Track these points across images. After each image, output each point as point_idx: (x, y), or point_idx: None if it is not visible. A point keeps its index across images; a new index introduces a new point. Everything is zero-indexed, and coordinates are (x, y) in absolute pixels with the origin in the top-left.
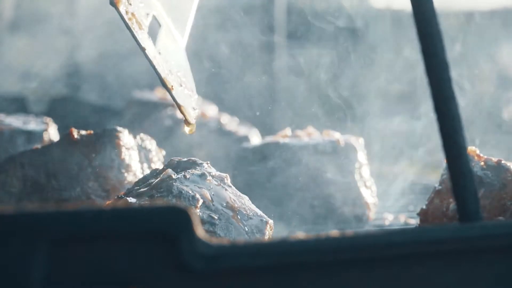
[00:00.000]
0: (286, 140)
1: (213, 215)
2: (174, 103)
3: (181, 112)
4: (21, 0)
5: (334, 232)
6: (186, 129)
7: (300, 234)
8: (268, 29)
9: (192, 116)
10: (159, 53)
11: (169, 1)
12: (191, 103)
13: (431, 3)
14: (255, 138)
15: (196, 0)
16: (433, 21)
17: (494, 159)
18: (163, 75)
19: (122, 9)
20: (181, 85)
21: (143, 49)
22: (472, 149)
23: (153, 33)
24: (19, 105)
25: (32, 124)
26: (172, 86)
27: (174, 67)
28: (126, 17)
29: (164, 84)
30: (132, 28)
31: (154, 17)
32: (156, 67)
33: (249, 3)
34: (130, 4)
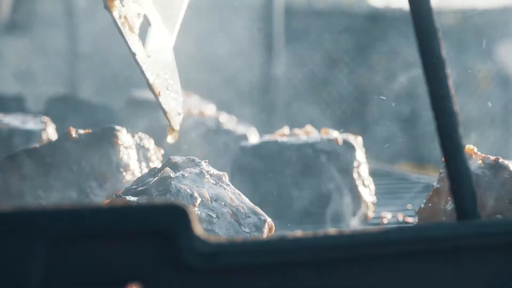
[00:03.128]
0: (284, 139)
1: (211, 213)
2: (160, 108)
3: (167, 118)
4: (19, 1)
5: (332, 230)
6: (169, 137)
7: (298, 232)
8: (266, 29)
9: (177, 122)
10: (149, 56)
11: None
12: (177, 107)
13: (428, 1)
14: (254, 137)
15: None
16: (430, 19)
17: (492, 157)
18: (151, 80)
19: (115, 13)
20: (168, 89)
21: (133, 54)
22: (470, 147)
23: (142, 32)
24: (17, 104)
25: (30, 123)
26: (159, 92)
27: (161, 69)
28: (119, 22)
29: (151, 90)
30: (124, 33)
31: (145, 16)
32: (145, 72)
33: (246, 4)
34: (123, 6)
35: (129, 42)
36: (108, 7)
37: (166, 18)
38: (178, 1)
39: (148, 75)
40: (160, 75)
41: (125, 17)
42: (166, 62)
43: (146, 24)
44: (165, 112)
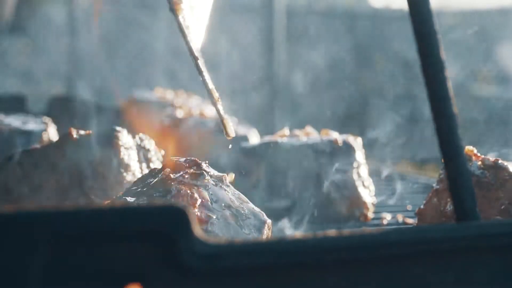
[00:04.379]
0: (285, 140)
1: (211, 214)
2: (218, 115)
3: (224, 124)
4: (21, 1)
5: (331, 232)
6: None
7: (298, 234)
8: (267, 29)
9: (232, 129)
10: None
11: (189, 3)
12: (226, 115)
13: (428, 3)
14: (254, 138)
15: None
16: (430, 21)
17: (492, 159)
18: (210, 86)
19: (180, 17)
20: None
21: (196, 59)
22: (469, 148)
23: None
24: (18, 104)
25: (31, 124)
26: (218, 98)
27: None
28: (184, 25)
29: (211, 96)
30: (188, 38)
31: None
32: (205, 77)
33: (248, 5)
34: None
35: (193, 47)
36: (174, 10)
37: (196, 18)
38: (205, 5)
39: (208, 80)
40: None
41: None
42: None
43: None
44: (222, 118)
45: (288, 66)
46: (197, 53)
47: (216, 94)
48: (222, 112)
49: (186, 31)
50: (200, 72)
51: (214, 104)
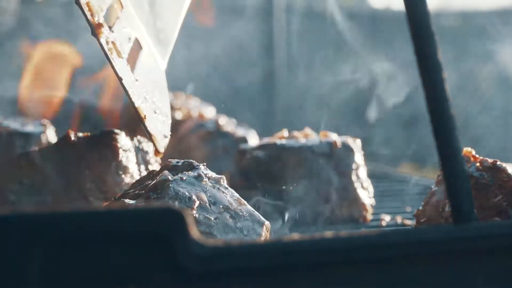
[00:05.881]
0: (283, 142)
1: (209, 216)
2: (146, 132)
3: (152, 141)
4: (20, 3)
5: (329, 233)
6: (154, 158)
7: (295, 235)
8: (266, 29)
9: (162, 145)
10: (136, 80)
11: (153, 22)
12: (164, 130)
13: (425, 4)
14: (253, 139)
15: (180, 22)
16: (427, 22)
17: (490, 160)
18: (136, 104)
19: (102, 40)
20: (155, 112)
21: (120, 79)
22: (468, 150)
23: (134, 56)
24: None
25: (30, 126)
26: (145, 116)
27: (150, 92)
28: (106, 48)
29: (136, 113)
30: (111, 59)
31: (137, 40)
32: (131, 96)
33: (247, 4)
34: (113, 32)
35: (116, 68)
36: (95, 34)
37: (159, 41)
38: (172, 25)
39: (134, 99)
40: (147, 98)
41: (113, 43)
42: (155, 85)
43: (138, 48)
44: (150, 135)
45: (288, 67)
46: (121, 74)
47: (143, 112)
48: (149, 129)
49: (109, 53)
50: (125, 91)
51: (141, 121)
